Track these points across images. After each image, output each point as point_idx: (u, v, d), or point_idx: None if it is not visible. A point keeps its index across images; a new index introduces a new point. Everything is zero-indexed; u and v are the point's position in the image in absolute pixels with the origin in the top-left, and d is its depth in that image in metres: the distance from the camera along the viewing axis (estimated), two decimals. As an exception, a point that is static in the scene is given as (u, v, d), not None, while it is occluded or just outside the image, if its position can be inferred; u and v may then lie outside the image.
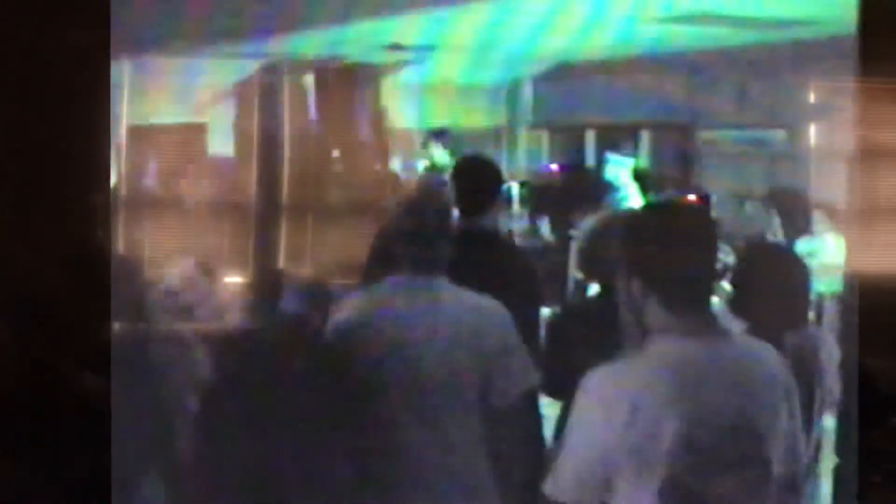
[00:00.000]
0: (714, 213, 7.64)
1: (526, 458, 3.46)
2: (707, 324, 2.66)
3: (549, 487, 2.67)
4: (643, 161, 9.76)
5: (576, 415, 2.65)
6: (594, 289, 4.17)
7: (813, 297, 4.38)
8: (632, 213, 2.85)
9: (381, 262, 3.87)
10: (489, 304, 3.50)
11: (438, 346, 3.38)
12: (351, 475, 3.32)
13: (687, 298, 2.64)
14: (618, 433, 2.54)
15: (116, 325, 3.51)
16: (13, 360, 3.58)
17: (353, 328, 3.49)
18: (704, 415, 2.56)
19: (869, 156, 3.95)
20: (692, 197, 7.66)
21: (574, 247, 4.00)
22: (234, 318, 4.14)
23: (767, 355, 2.76)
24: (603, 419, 2.58)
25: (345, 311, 3.55)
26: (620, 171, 7.75)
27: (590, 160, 10.62)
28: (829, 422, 3.92)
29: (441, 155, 9.47)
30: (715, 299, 2.77)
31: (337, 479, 3.31)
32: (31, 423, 3.39)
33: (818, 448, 3.84)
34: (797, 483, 2.75)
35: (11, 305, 3.66)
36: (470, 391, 3.41)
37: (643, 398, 2.55)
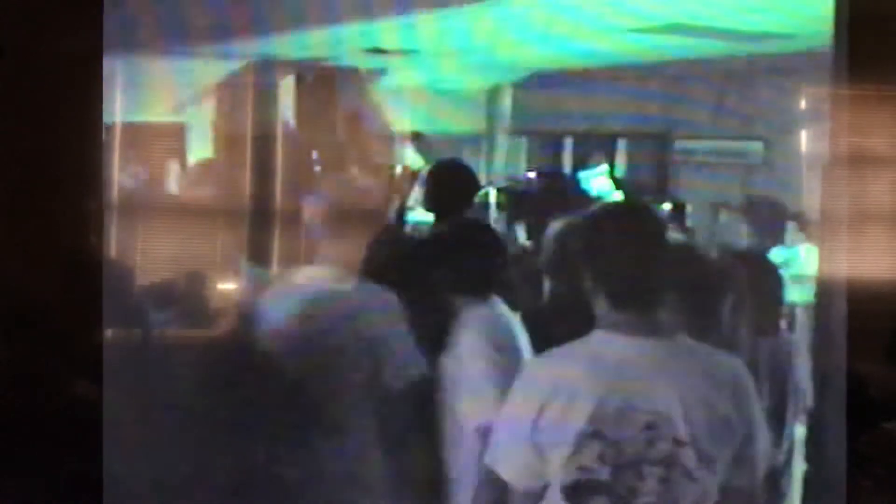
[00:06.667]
0: (689, 222, 7.71)
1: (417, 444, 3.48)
2: (652, 324, 2.68)
3: (487, 458, 2.77)
4: (616, 166, 9.81)
5: (511, 393, 2.75)
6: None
7: (786, 306, 4.43)
8: (586, 216, 2.89)
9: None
10: (374, 291, 3.48)
11: (334, 340, 3.37)
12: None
13: (630, 297, 2.68)
14: (537, 416, 2.64)
15: (108, 332, 3.52)
16: (5, 367, 3.57)
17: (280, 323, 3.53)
18: (619, 410, 2.60)
19: (845, 164, 4.00)
20: (667, 205, 7.71)
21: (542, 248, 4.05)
22: (224, 323, 4.14)
23: (724, 367, 2.73)
24: (525, 400, 2.69)
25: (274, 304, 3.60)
26: (598, 180, 7.80)
27: (567, 167, 10.67)
28: (799, 429, 3.97)
29: (415, 158, 9.49)
30: (665, 301, 2.75)
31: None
32: (23, 430, 3.38)
33: (789, 454, 3.89)
34: (752, 495, 2.74)
35: (3, 311, 3.66)
36: (361, 379, 3.40)
37: (561, 386, 2.63)
